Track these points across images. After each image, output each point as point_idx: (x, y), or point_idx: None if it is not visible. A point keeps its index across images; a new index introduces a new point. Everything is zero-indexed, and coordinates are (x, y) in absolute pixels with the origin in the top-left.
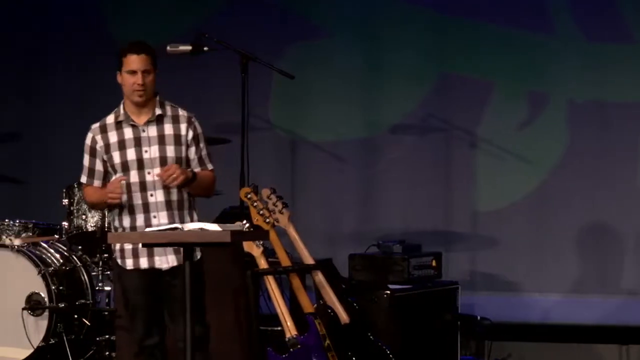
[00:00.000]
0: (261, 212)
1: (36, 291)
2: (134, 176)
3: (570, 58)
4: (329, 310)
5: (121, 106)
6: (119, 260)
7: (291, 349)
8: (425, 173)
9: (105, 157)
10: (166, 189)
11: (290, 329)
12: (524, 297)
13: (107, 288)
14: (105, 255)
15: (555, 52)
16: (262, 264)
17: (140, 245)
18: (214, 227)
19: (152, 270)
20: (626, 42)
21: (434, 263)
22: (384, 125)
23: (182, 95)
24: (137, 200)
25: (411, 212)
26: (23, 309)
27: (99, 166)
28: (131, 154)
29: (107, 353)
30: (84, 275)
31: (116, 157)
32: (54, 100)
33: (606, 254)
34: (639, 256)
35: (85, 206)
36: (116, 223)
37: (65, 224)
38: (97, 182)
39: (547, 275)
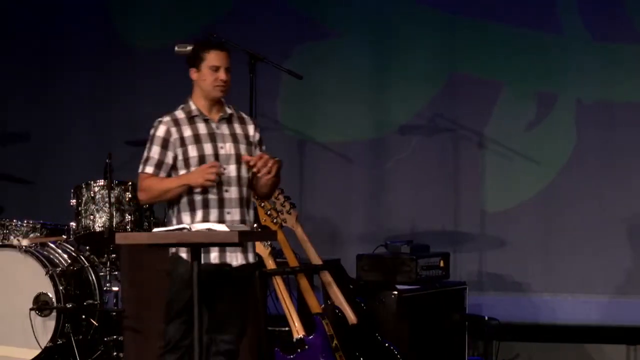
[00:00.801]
0: (269, 212)
1: (44, 291)
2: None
3: (579, 58)
4: (337, 311)
5: (190, 102)
6: (184, 255)
7: (299, 350)
8: (433, 173)
9: (178, 151)
10: (239, 185)
11: (297, 329)
12: (532, 297)
13: (115, 288)
14: (113, 255)
15: (563, 53)
16: (270, 264)
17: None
18: (221, 227)
19: (221, 266)
20: (634, 42)
21: (441, 263)
22: (392, 126)
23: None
24: (212, 195)
25: (419, 212)
26: (31, 309)
27: (168, 159)
28: (208, 148)
29: (114, 353)
30: (91, 276)
31: (192, 150)
32: (62, 101)
33: (614, 254)
34: None
35: (93, 207)
36: (183, 218)
37: (73, 224)
38: (162, 175)
39: (555, 276)
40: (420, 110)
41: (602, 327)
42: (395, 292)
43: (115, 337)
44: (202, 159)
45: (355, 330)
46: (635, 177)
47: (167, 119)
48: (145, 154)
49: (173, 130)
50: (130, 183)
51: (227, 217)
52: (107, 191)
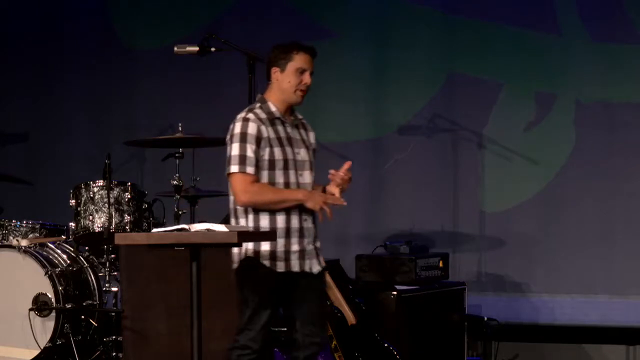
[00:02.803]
0: None
1: (43, 292)
2: (292, 176)
3: (578, 59)
4: (336, 311)
5: (269, 103)
6: (266, 262)
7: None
8: (433, 174)
9: (265, 150)
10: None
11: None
12: (531, 298)
13: (114, 289)
14: (112, 255)
15: (562, 53)
16: None
17: (294, 248)
18: (221, 227)
19: (300, 274)
20: (633, 42)
21: (441, 264)
22: (391, 126)
23: (190, 95)
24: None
25: (418, 212)
26: (30, 309)
27: (259, 157)
28: (289, 152)
29: (114, 354)
30: (90, 276)
31: (278, 153)
32: (61, 101)
33: (614, 255)
34: None
35: (92, 207)
36: (261, 222)
37: (72, 224)
38: (258, 174)
39: (555, 276)
40: (419, 110)
41: (601, 328)
42: (395, 293)
43: (114, 337)
44: (286, 163)
45: (354, 331)
46: (634, 178)
47: (252, 116)
48: (236, 151)
49: (263, 129)
50: (129, 184)
51: (305, 224)
52: (106, 191)
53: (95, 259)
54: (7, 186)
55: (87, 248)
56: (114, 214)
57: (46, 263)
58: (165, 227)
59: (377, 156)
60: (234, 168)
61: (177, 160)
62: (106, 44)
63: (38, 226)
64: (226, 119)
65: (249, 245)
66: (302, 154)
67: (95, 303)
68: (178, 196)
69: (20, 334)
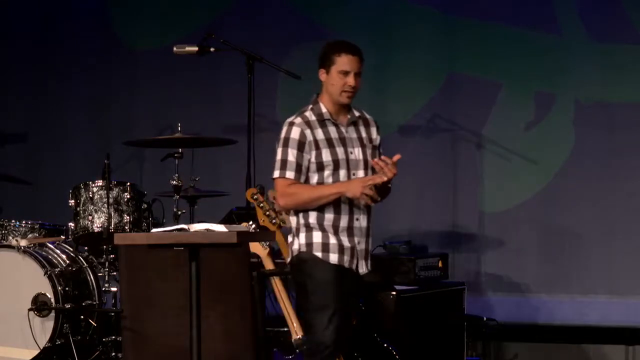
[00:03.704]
0: (267, 213)
1: (42, 292)
2: (342, 176)
3: (578, 59)
4: None
5: (320, 104)
6: (318, 254)
7: (297, 350)
8: (432, 174)
9: (312, 153)
10: None
11: (296, 329)
12: (531, 298)
13: (113, 289)
14: (112, 255)
15: (562, 53)
16: (269, 264)
17: (345, 244)
18: (220, 228)
19: (348, 272)
20: (633, 42)
21: (440, 264)
22: (390, 126)
23: (189, 95)
24: (341, 199)
25: (417, 212)
26: (29, 309)
27: (306, 162)
28: (340, 153)
29: (113, 354)
30: (90, 276)
31: (326, 154)
32: (60, 101)
33: (613, 255)
34: None
35: (91, 207)
36: (310, 220)
37: (71, 224)
38: (302, 179)
39: (554, 276)
40: (419, 110)
41: (600, 328)
42: (394, 293)
43: (113, 337)
44: (335, 164)
45: (353, 331)
46: (633, 177)
47: (298, 120)
48: (279, 157)
49: (307, 132)
50: (128, 184)
51: (356, 224)
52: (105, 192)
53: (94, 259)
54: (6, 186)
55: (86, 248)
56: (113, 214)
57: (45, 263)
58: (164, 227)
59: (376, 156)
60: (276, 173)
61: (177, 160)
62: (106, 44)
63: (37, 226)
64: (225, 119)
65: (301, 240)
66: (357, 153)
67: (94, 303)
68: (177, 196)
69: (20, 334)
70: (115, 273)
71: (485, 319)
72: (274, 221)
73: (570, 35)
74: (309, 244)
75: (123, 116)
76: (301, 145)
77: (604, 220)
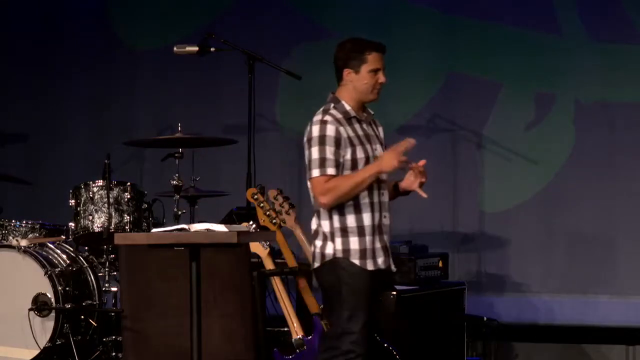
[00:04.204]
0: (268, 212)
1: (43, 292)
2: None
3: (578, 59)
4: None
5: (343, 102)
6: (356, 261)
7: (297, 350)
8: (432, 174)
9: (347, 150)
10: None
11: (296, 329)
12: (531, 298)
13: (114, 289)
14: (112, 256)
15: (562, 53)
16: (269, 264)
17: (377, 245)
18: (220, 227)
19: (383, 271)
20: (633, 42)
21: (440, 264)
22: (391, 126)
23: (190, 95)
24: (373, 198)
25: (418, 212)
26: (29, 309)
27: (341, 158)
28: (369, 150)
29: (113, 354)
30: (90, 276)
31: (360, 151)
32: (60, 101)
33: (614, 255)
34: None
35: (92, 207)
36: (348, 222)
37: (71, 224)
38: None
39: (554, 276)
40: (419, 110)
41: (601, 328)
42: (394, 293)
43: (114, 337)
44: (367, 161)
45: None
46: (634, 177)
47: (329, 118)
48: (316, 155)
49: (342, 129)
50: (129, 184)
51: (384, 221)
52: (105, 192)
53: (94, 259)
54: (7, 186)
55: (86, 248)
56: (113, 214)
57: (46, 263)
58: (164, 227)
59: None
60: (315, 172)
61: (177, 160)
62: (106, 44)
63: (38, 226)
64: (224, 119)
65: (337, 245)
66: (379, 150)
67: (94, 303)
68: (177, 196)
69: (20, 334)
70: (115, 273)
71: (485, 319)
72: (274, 221)
73: (570, 35)
74: (346, 250)
75: (123, 116)
76: (337, 142)
77: (604, 220)
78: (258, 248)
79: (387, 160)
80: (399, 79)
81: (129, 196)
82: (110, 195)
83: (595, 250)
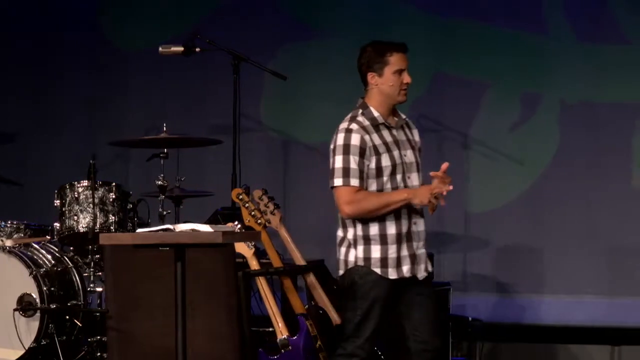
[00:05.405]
0: (253, 213)
1: (28, 292)
2: (399, 180)
3: (563, 59)
4: (321, 311)
5: (371, 109)
6: (377, 270)
7: (282, 350)
8: None
9: (371, 159)
10: None
11: (281, 330)
12: (516, 298)
13: (99, 289)
14: (97, 256)
15: (548, 53)
16: (254, 265)
17: (404, 253)
18: (205, 228)
19: (411, 279)
20: (618, 43)
21: None
22: None
23: (175, 95)
24: (403, 205)
25: None
26: (14, 310)
27: (365, 168)
28: (397, 157)
29: (98, 354)
30: (75, 276)
31: (385, 159)
32: (47, 102)
33: (599, 255)
34: (632, 257)
35: (77, 207)
36: (371, 229)
37: (57, 224)
38: (364, 186)
39: (539, 276)
40: (405, 110)
41: (586, 328)
42: None
43: (99, 337)
44: (393, 168)
45: (339, 331)
46: (618, 177)
47: (355, 126)
48: (340, 164)
49: (367, 138)
50: (114, 184)
51: (414, 228)
52: (90, 192)
53: (79, 259)
54: None
55: (71, 248)
56: (98, 214)
57: (31, 263)
58: (150, 227)
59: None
60: (338, 181)
61: (162, 161)
62: (93, 44)
63: (23, 226)
64: (209, 120)
65: (358, 253)
66: (409, 156)
67: (79, 303)
68: (163, 196)
69: (5, 334)
70: (100, 273)
71: (470, 319)
72: (259, 221)
73: (555, 35)
74: (367, 259)
75: (109, 117)
76: (362, 152)
77: (589, 220)
78: (243, 248)
79: (420, 195)
80: None
81: (114, 196)
82: (96, 196)
83: (580, 249)
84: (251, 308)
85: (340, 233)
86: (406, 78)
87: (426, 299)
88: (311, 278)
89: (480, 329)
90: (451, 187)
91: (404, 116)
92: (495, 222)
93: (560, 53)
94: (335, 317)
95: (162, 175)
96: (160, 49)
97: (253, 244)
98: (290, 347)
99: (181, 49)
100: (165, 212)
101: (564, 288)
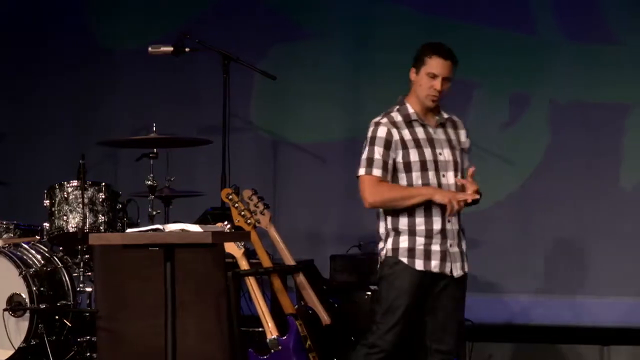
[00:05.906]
0: (242, 213)
1: (17, 292)
2: (431, 177)
3: (552, 59)
4: (310, 311)
5: (407, 105)
6: (404, 259)
7: (272, 350)
8: None
9: (398, 152)
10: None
11: (271, 330)
12: (506, 298)
13: (88, 289)
14: (87, 256)
15: (537, 53)
16: (244, 265)
17: (435, 248)
18: (195, 228)
19: (439, 276)
20: (608, 42)
21: None
22: (367, 126)
23: (165, 95)
24: (435, 202)
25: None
26: (4, 310)
27: (390, 160)
28: (428, 154)
29: (88, 354)
30: (65, 276)
31: (413, 154)
32: (36, 101)
33: (588, 255)
34: (621, 257)
35: (66, 207)
36: (400, 224)
37: (46, 225)
38: (388, 177)
39: (529, 276)
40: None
41: (576, 328)
42: (369, 293)
43: (88, 337)
44: (423, 165)
45: (328, 331)
46: (608, 177)
47: (384, 120)
48: (365, 155)
49: (394, 131)
50: (103, 184)
51: (448, 226)
52: (80, 192)
53: (69, 259)
54: None
55: (61, 248)
56: (88, 214)
57: (20, 263)
58: (139, 227)
59: (352, 157)
60: (362, 171)
61: (152, 161)
62: (83, 44)
63: (12, 226)
64: (199, 120)
65: (388, 245)
66: (446, 155)
67: (69, 303)
68: (152, 196)
69: None
70: (90, 273)
71: None
72: (248, 221)
73: (545, 35)
74: (395, 249)
75: (99, 116)
76: (387, 144)
77: (579, 220)
78: (233, 248)
79: (444, 196)
80: (376, 79)
81: (103, 196)
82: (85, 196)
83: (570, 250)
84: (241, 308)
85: (380, 228)
86: (436, 85)
87: (453, 302)
88: (301, 278)
89: (471, 329)
90: (478, 196)
91: (446, 115)
92: (485, 222)
93: (550, 53)
94: (324, 317)
95: (151, 175)
96: (149, 49)
97: (243, 244)
98: (280, 347)
99: (171, 49)
100: (154, 212)
101: (554, 288)
